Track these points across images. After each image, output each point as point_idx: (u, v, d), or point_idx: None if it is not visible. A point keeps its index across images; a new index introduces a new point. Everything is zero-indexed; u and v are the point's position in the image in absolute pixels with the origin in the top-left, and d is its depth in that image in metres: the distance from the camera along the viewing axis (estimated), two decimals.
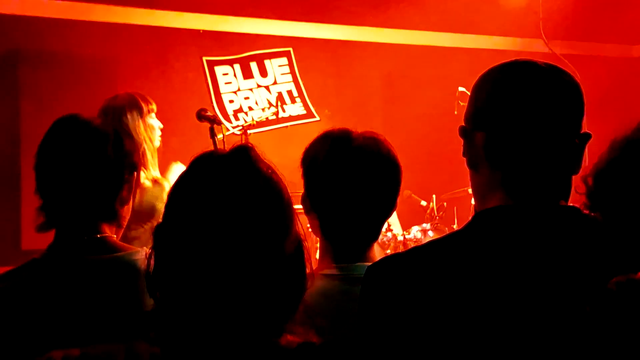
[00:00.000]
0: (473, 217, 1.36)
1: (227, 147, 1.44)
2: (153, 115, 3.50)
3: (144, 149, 3.41)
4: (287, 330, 1.31)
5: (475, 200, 1.43)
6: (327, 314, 1.60)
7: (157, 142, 3.52)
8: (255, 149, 1.39)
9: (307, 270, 1.38)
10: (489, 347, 1.20)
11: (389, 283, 1.30)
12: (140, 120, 3.41)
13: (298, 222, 1.39)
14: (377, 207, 1.79)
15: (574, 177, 1.41)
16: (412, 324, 1.24)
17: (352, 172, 1.75)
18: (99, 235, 1.71)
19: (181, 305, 1.29)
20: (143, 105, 3.43)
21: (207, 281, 1.28)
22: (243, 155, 1.36)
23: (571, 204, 1.37)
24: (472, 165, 1.41)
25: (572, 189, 1.45)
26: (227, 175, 1.33)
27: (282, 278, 1.32)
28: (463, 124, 1.42)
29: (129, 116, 3.39)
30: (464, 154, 1.42)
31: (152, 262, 1.34)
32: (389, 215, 1.83)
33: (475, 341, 1.21)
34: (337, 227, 1.79)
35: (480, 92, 1.39)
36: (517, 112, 1.32)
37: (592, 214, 1.54)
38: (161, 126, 3.55)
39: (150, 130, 3.47)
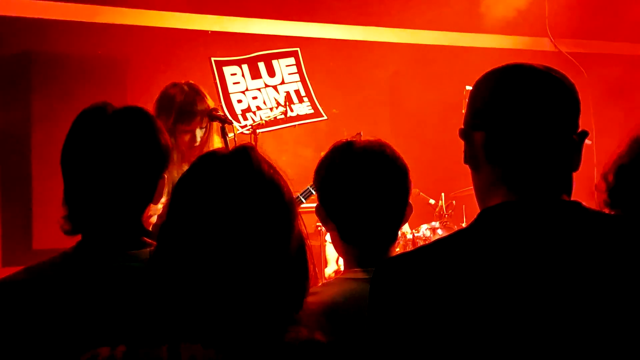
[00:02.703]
0: (479, 215, 1.38)
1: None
2: (188, 129, 3.43)
3: None
4: (293, 327, 1.33)
5: (477, 200, 1.45)
6: (354, 317, 1.62)
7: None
8: (257, 149, 1.41)
9: (310, 269, 1.39)
10: (497, 345, 1.22)
11: (397, 282, 1.31)
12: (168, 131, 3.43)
13: (301, 221, 1.40)
14: (385, 205, 1.81)
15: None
16: (420, 322, 1.26)
17: (355, 173, 1.78)
18: (132, 232, 1.68)
19: (183, 303, 1.31)
20: (176, 119, 3.40)
21: (208, 280, 1.30)
22: (244, 156, 1.37)
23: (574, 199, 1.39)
24: (473, 165, 1.44)
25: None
26: (227, 176, 1.35)
27: (284, 277, 1.33)
28: (463, 127, 1.45)
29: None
30: (465, 156, 1.45)
31: (155, 260, 1.37)
32: (401, 212, 1.84)
33: (485, 339, 1.22)
34: (353, 231, 1.82)
35: (478, 94, 1.43)
36: (515, 111, 1.35)
37: (613, 211, 1.54)
38: (200, 139, 3.45)
39: (180, 143, 3.43)
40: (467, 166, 1.46)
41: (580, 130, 1.41)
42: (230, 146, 3.29)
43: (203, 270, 1.30)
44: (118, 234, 1.66)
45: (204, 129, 3.48)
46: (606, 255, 1.28)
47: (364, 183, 1.78)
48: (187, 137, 3.43)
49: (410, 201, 1.90)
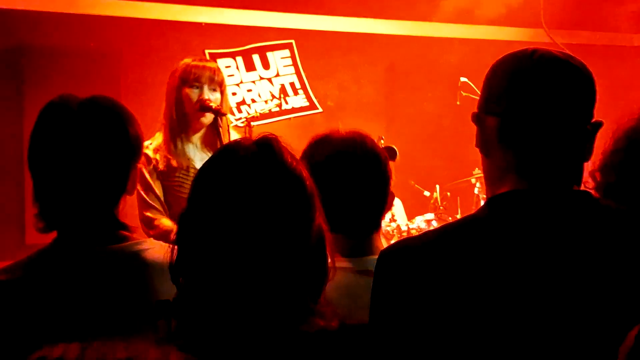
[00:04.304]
0: (486, 202, 1.37)
1: (230, 139, 1.45)
2: (196, 84, 3.36)
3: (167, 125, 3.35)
4: (312, 318, 1.33)
5: (486, 186, 1.44)
6: (345, 306, 1.63)
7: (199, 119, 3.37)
8: (280, 139, 1.41)
9: (329, 261, 1.40)
10: (504, 333, 1.22)
11: (403, 268, 1.31)
12: (174, 90, 3.36)
13: (321, 213, 1.40)
14: (365, 193, 1.85)
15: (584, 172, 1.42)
16: (426, 308, 1.26)
17: (332, 166, 1.83)
18: (107, 226, 1.67)
19: (204, 293, 1.31)
20: (185, 72, 3.36)
21: (229, 270, 1.30)
22: (267, 147, 1.37)
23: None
24: (484, 150, 1.42)
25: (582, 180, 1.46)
26: (251, 167, 1.34)
27: (304, 267, 1.34)
28: (476, 111, 1.43)
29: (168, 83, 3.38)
30: (477, 141, 1.43)
31: (175, 250, 1.36)
32: (383, 198, 1.89)
33: (490, 327, 1.22)
34: (338, 219, 1.83)
35: (493, 78, 1.41)
36: (529, 97, 1.33)
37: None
38: (210, 97, 3.34)
39: (185, 100, 3.37)
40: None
41: (594, 120, 1.39)
42: (223, 139, 3.29)
43: (222, 260, 1.30)
44: (93, 229, 1.64)
45: (216, 90, 3.40)
46: (615, 247, 1.27)
47: (341, 175, 1.82)
48: (194, 95, 3.36)
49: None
